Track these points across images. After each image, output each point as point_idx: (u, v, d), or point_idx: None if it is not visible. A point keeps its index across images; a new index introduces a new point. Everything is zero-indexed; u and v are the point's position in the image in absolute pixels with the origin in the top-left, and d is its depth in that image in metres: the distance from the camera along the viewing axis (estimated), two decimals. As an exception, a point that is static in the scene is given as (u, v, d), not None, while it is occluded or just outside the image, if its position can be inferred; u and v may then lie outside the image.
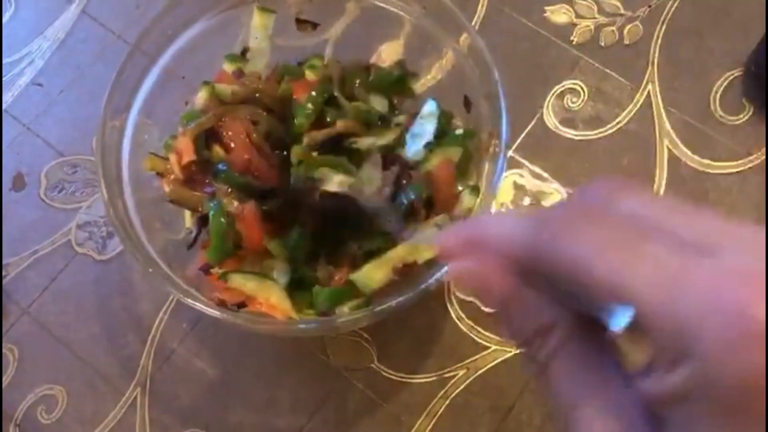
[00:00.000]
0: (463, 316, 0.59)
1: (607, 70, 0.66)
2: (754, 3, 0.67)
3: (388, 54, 0.61)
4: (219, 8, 0.58)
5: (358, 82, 0.57)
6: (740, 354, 0.17)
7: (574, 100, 0.65)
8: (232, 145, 0.54)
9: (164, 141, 0.56)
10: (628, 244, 0.19)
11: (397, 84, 0.58)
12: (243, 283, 0.50)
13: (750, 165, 0.62)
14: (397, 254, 0.49)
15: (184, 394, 0.58)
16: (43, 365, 0.59)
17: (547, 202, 0.61)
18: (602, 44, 0.67)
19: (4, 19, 0.71)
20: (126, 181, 0.53)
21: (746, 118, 0.63)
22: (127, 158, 0.54)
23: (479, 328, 0.58)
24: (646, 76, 0.65)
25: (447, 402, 0.57)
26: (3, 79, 0.68)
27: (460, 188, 0.54)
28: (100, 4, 0.71)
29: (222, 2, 0.58)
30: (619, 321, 0.19)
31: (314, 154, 0.53)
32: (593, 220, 0.21)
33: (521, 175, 0.62)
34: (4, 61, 0.69)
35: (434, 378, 0.57)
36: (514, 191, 0.62)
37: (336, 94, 0.55)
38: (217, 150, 0.54)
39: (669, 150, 0.63)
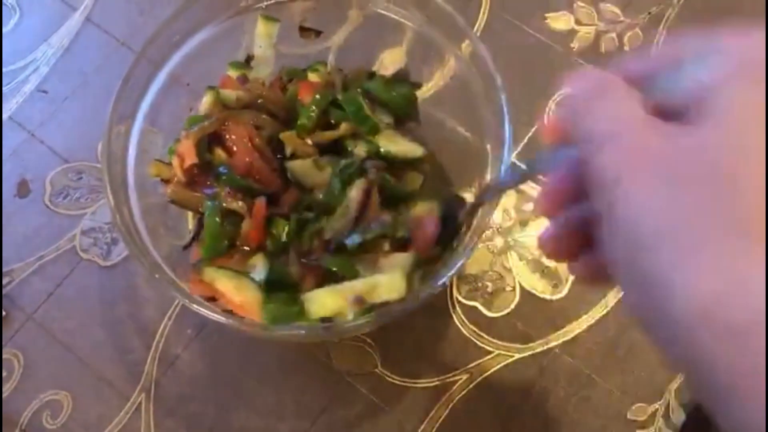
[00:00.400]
0: (465, 321, 0.59)
1: (608, 77, 0.66)
2: (754, 11, 0.67)
3: (390, 61, 0.62)
4: (223, 16, 0.58)
5: (360, 90, 0.57)
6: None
7: (575, 106, 0.65)
8: (235, 148, 0.54)
9: (169, 147, 0.57)
10: None
11: (404, 105, 0.58)
12: (215, 278, 0.51)
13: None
14: (354, 287, 0.49)
15: (188, 399, 0.58)
16: (48, 371, 0.59)
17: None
18: (602, 51, 0.67)
19: (9, 26, 0.71)
20: (131, 187, 0.53)
21: (745, 124, 0.64)
22: (133, 164, 0.54)
23: (482, 333, 0.59)
24: (647, 83, 0.66)
25: (449, 407, 0.57)
26: (8, 85, 0.68)
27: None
28: (104, 11, 0.71)
29: (226, 10, 0.58)
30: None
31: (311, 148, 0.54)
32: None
33: (523, 181, 0.63)
34: (9, 68, 0.69)
35: (437, 383, 0.58)
36: (517, 196, 0.63)
37: (339, 97, 0.56)
38: (219, 153, 0.54)
39: (669, 156, 0.63)
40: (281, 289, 0.52)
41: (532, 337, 0.59)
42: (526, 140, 0.64)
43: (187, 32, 0.58)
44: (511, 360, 0.58)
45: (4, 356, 0.60)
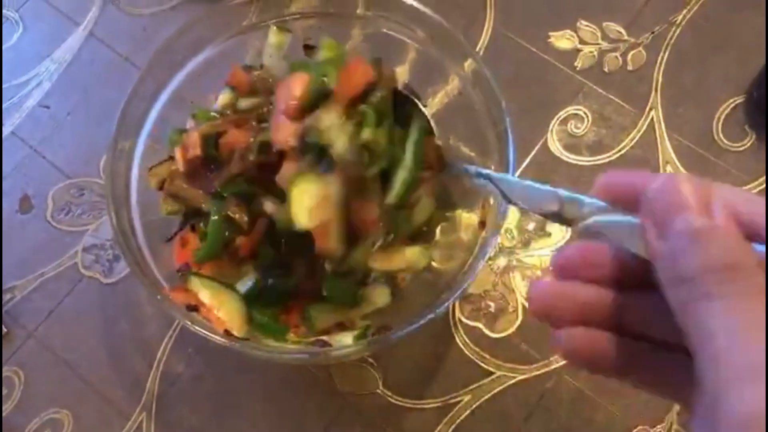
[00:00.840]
0: (468, 341, 0.59)
1: (611, 96, 0.66)
2: (756, 31, 0.67)
3: (393, 79, 0.61)
4: (226, 35, 0.59)
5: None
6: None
7: (578, 125, 0.65)
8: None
9: (169, 135, 0.57)
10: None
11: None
12: (200, 288, 0.51)
13: (753, 192, 0.62)
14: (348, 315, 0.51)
15: (189, 418, 0.58)
16: (49, 389, 0.59)
17: (551, 228, 0.62)
18: (606, 70, 0.67)
19: (12, 41, 0.71)
20: (134, 205, 0.54)
21: (748, 145, 0.64)
22: (136, 182, 0.54)
23: (484, 354, 0.59)
24: (650, 102, 0.66)
25: (452, 428, 0.57)
26: (11, 100, 0.68)
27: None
28: (106, 26, 0.71)
29: (229, 29, 0.58)
30: None
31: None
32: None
33: (526, 201, 0.63)
34: (12, 83, 0.69)
35: (439, 404, 0.58)
36: (519, 216, 0.62)
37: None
38: (223, 150, 0.54)
39: (672, 176, 0.63)
40: (267, 304, 0.52)
41: (535, 358, 0.59)
42: (528, 160, 0.64)
43: (191, 50, 0.58)
44: (513, 381, 0.58)
45: (4, 374, 0.59)
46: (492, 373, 0.58)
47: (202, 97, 0.58)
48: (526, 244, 0.62)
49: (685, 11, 0.69)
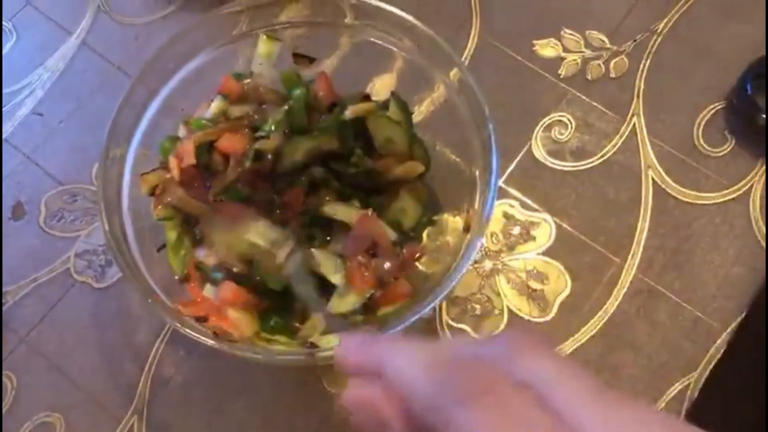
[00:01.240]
0: (454, 343, 0.60)
1: (594, 103, 0.68)
2: (736, 38, 0.69)
3: (381, 87, 0.63)
4: (217, 43, 0.60)
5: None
6: None
7: (562, 131, 0.67)
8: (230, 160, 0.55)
9: (161, 143, 0.58)
10: None
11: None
12: (212, 292, 0.53)
13: (732, 196, 0.64)
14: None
15: (180, 421, 0.59)
16: (41, 393, 0.60)
17: (535, 231, 0.63)
18: (589, 78, 0.69)
19: (6, 50, 0.72)
20: (126, 211, 0.55)
21: (728, 150, 0.65)
22: (127, 188, 0.55)
23: (470, 356, 0.60)
24: (632, 109, 0.67)
25: (439, 428, 0.58)
26: (4, 108, 0.69)
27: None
28: (99, 36, 0.72)
29: (219, 38, 0.60)
30: None
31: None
32: (488, 401, 0.23)
33: (511, 205, 0.64)
34: (5, 90, 0.70)
35: (426, 404, 0.58)
36: (504, 221, 0.64)
37: None
38: (217, 158, 0.55)
39: (654, 181, 0.65)
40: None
41: (519, 359, 0.60)
42: (512, 166, 0.66)
43: (181, 59, 0.59)
44: (499, 382, 0.59)
45: (-3, 378, 0.60)
46: (478, 375, 0.59)
47: (193, 105, 0.59)
48: (511, 248, 0.63)
49: (666, 20, 0.71)
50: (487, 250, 0.63)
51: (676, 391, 0.58)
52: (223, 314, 0.50)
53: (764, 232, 0.62)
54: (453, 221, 0.57)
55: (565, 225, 0.63)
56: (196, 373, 0.60)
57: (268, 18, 0.60)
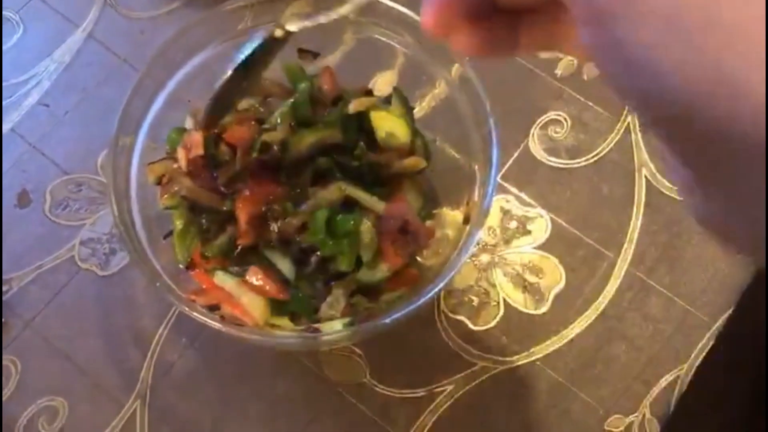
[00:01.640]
0: (452, 333, 0.62)
1: (589, 102, 0.69)
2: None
3: (382, 83, 0.64)
4: (222, 38, 0.61)
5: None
6: None
7: (558, 130, 0.68)
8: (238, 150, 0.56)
9: (169, 134, 0.59)
10: None
11: None
12: (224, 280, 0.54)
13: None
14: None
15: (183, 407, 0.60)
16: (45, 377, 0.61)
17: (531, 226, 0.65)
18: (585, 77, 0.70)
19: (12, 41, 0.73)
20: (134, 198, 0.56)
21: (719, 150, 0.67)
22: (135, 178, 0.56)
23: (467, 346, 0.61)
24: (626, 109, 0.69)
25: (435, 416, 0.59)
26: (10, 98, 0.70)
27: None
28: (106, 28, 0.74)
29: (225, 32, 0.61)
30: None
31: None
32: None
33: (507, 200, 0.66)
34: (12, 81, 0.71)
35: (424, 393, 0.60)
36: (501, 215, 0.65)
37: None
38: (223, 149, 0.57)
39: (647, 179, 0.66)
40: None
41: (514, 350, 0.61)
42: (510, 162, 0.67)
43: (188, 53, 0.60)
44: (494, 372, 0.61)
45: (2, 363, 0.61)
46: (474, 364, 0.61)
47: (199, 96, 0.61)
48: (507, 241, 0.65)
49: (660, 23, 0.73)
50: (484, 243, 0.64)
51: (666, 383, 0.60)
52: (234, 302, 0.51)
53: (753, 229, 0.64)
54: (452, 215, 0.59)
55: (560, 220, 0.65)
56: (199, 360, 0.61)
57: (272, 14, 0.61)
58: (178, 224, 0.57)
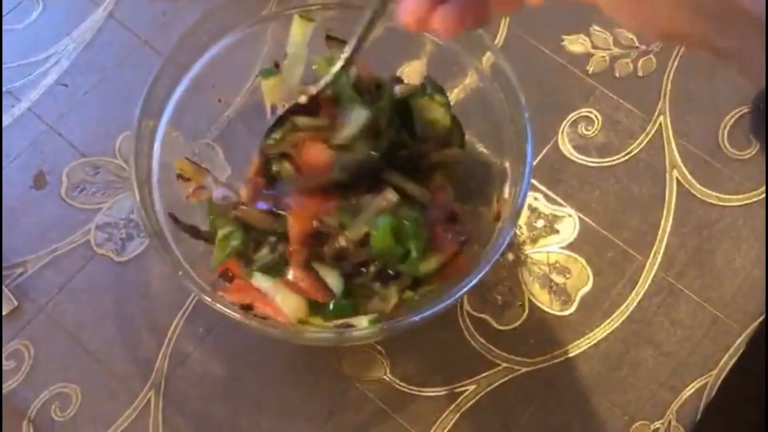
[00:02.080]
0: (474, 332, 0.60)
1: (621, 101, 0.68)
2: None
3: (410, 72, 0.63)
4: (247, 23, 0.59)
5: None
6: None
7: (588, 127, 0.67)
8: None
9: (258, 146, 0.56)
10: None
11: None
12: (262, 281, 0.52)
13: (756, 199, 0.64)
14: None
15: (197, 398, 0.59)
16: (58, 363, 0.59)
17: (559, 225, 0.63)
18: (617, 75, 0.69)
19: (32, 18, 0.71)
20: (155, 183, 0.54)
21: (753, 153, 0.66)
22: (157, 163, 0.55)
23: (490, 346, 0.60)
24: (658, 108, 0.67)
25: (456, 416, 0.58)
26: (28, 77, 0.69)
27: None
28: (127, 8, 0.72)
29: (250, 17, 0.59)
30: None
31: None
32: None
33: (536, 198, 0.64)
34: (30, 59, 0.70)
35: (444, 392, 0.59)
36: (528, 213, 0.64)
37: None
38: (287, 167, 0.54)
39: (678, 180, 0.65)
40: None
41: (539, 351, 0.60)
42: (539, 159, 0.66)
43: (212, 37, 0.58)
44: (518, 373, 0.59)
45: (15, 347, 0.60)
46: (497, 365, 0.59)
47: (223, 81, 0.59)
48: (534, 240, 0.63)
49: (695, 22, 0.71)
50: (510, 241, 0.63)
51: (694, 389, 0.59)
52: (267, 300, 0.50)
53: (786, 236, 0.63)
54: (481, 211, 0.57)
55: (588, 220, 0.63)
56: (215, 351, 0.60)
57: (298, -1, 0.60)
58: (222, 231, 0.55)
